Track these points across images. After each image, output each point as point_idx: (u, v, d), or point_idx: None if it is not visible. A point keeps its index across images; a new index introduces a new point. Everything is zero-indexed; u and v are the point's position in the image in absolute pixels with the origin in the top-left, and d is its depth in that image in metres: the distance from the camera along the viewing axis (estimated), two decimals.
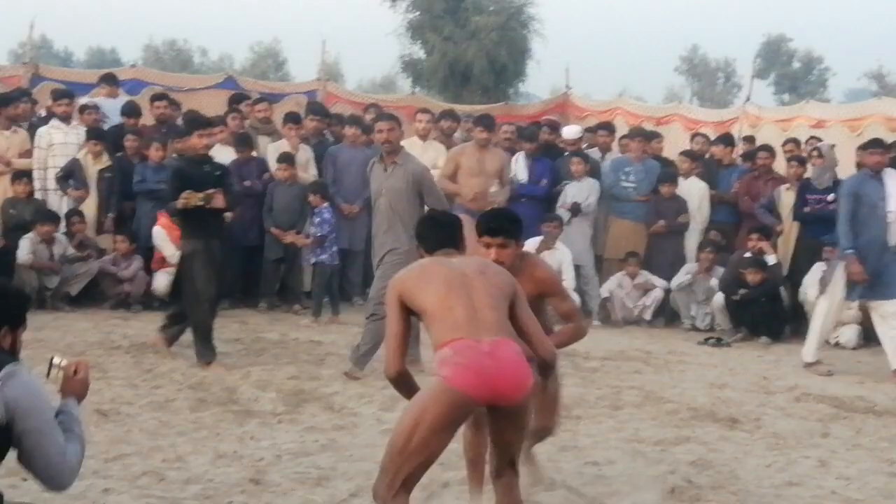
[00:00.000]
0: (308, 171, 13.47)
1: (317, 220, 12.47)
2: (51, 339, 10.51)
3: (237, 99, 15.09)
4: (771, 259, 13.05)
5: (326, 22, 56.49)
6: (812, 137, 14.84)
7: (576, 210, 13.74)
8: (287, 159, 13.11)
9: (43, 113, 14.35)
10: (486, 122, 12.89)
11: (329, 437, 7.35)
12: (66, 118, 13.26)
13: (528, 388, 4.80)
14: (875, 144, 10.96)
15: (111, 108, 14.20)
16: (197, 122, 10.26)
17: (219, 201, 9.56)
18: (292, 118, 13.87)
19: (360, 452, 6.99)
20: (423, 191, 9.53)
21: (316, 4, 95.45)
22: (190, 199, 9.40)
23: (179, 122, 13.78)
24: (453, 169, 12.47)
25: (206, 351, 9.60)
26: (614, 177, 14.14)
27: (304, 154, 13.51)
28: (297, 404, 8.25)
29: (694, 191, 14.10)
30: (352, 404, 8.34)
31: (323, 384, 9.01)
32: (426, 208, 9.33)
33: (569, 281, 13.29)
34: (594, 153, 14.86)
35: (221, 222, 10.10)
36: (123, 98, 14.68)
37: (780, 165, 14.50)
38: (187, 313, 9.80)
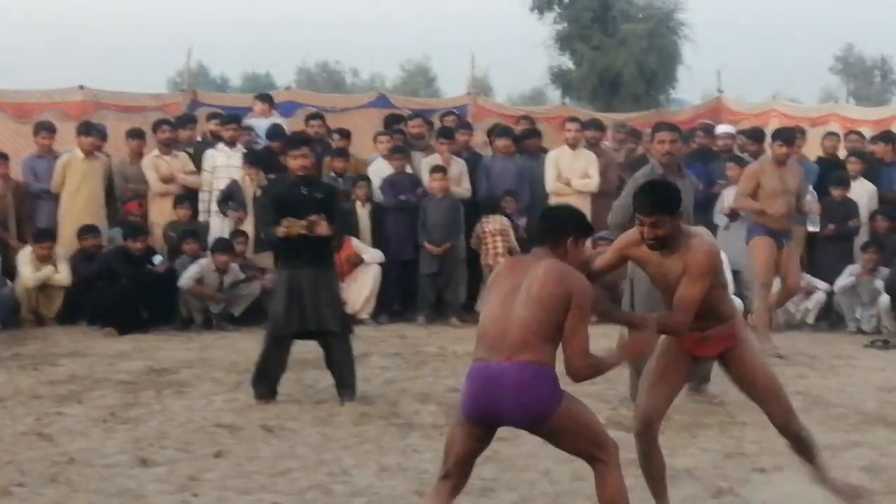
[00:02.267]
0: (461, 185, 13.58)
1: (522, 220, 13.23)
2: (216, 358, 10.78)
3: (395, 119, 15.25)
4: None
5: (475, 37, 56.46)
6: None
7: (734, 215, 13.52)
8: (440, 170, 13.23)
9: (199, 138, 14.75)
10: (786, 136, 12.00)
11: (491, 448, 7.25)
12: (232, 142, 13.59)
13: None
14: None
15: (264, 129, 14.53)
16: (291, 142, 9.74)
17: (322, 228, 8.69)
18: (444, 133, 14.00)
19: (523, 462, 7.00)
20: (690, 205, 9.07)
21: (464, 20, 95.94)
22: (291, 227, 8.64)
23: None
24: (754, 187, 11.60)
25: (257, 384, 8.90)
26: None
27: (457, 167, 13.62)
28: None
29: (863, 193, 13.78)
30: None
31: None
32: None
33: (728, 286, 13.09)
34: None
35: (323, 251, 8.97)
36: (276, 118, 15.00)
37: None
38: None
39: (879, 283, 12.95)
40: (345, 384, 8.89)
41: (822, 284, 13.41)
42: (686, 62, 30.61)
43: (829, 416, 8.39)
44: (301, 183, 8.93)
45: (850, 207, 13.60)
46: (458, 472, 5.26)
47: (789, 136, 11.86)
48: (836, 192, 13.63)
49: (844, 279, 13.26)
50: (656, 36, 29.36)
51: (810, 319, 13.51)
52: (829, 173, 13.98)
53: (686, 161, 13.84)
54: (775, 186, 11.39)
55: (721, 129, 15.33)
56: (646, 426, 5.82)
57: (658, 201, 5.48)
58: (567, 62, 31.34)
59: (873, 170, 14.19)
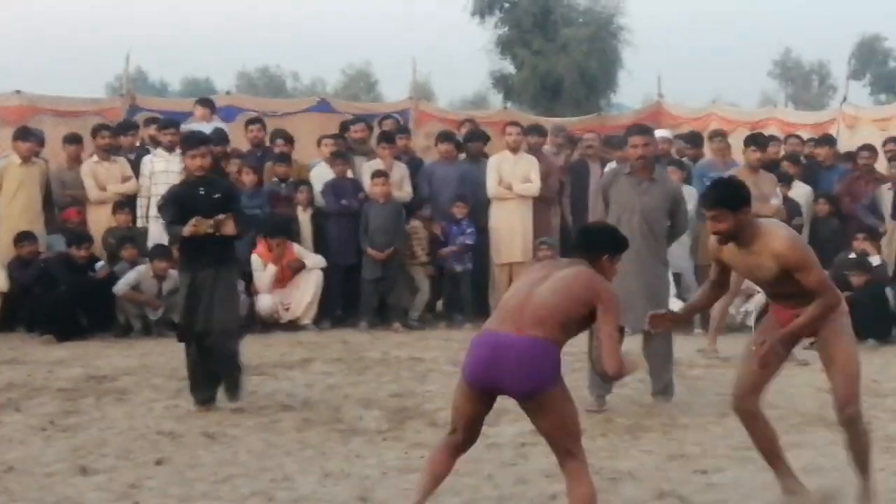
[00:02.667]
0: (403, 189, 13.57)
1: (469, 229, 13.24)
2: (156, 365, 10.70)
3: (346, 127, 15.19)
4: (875, 260, 12.83)
5: (416, 42, 56.86)
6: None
7: None
8: (382, 174, 13.22)
9: (138, 143, 14.61)
10: (759, 141, 11.98)
11: None
12: (171, 148, 13.48)
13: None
14: None
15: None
16: (188, 141, 9.44)
17: (229, 227, 8.60)
18: (386, 137, 14.00)
19: (466, 467, 6.96)
20: (676, 211, 9.18)
21: (405, 25, 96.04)
22: (199, 226, 8.49)
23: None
24: None
25: (193, 391, 8.81)
26: (699, 182, 13.96)
27: (398, 172, 13.62)
28: (402, 421, 8.29)
29: (800, 195, 13.92)
30: None
31: (426, 400, 9.05)
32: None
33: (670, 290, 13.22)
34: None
35: (225, 253, 8.85)
36: (216, 123, 14.89)
37: (879, 165, 14.25)
38: None
39: None
40: (230, 387, 8.74)
41: None
42: (627, 67, 30.85)
43: (770, 418, 8.43)
44: (199, 183, 8.82)
45: (793, 207, 13.73)
46: (465, 432, 5.57)
47: (763, 141, 12.01)
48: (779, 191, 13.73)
49: None
50: (597, 41, 29.59)
51: (750, 322, 13.58)
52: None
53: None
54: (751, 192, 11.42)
55: (659, 133, 15.40)
56: (740, 400, 6.20)
57: (718, 197, 5.80)
58: (508, 67, 31.49)
59: (812, 173, 14.33)
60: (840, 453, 7.20)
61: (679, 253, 13.54)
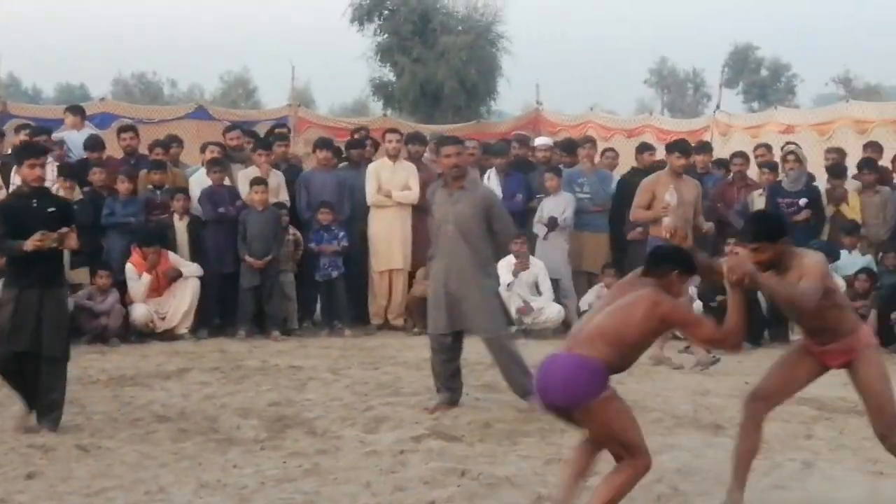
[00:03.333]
0: (280, 197, 13.47)
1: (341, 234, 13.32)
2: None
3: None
4: None
5: (295, 49, 56.53)
6: (788, 143, 14.85)
7: (553, 224, 13.73)
8: (260, 182, 13.10)
9: (9, 150, 14.26)
10: (682, 147, 11.99)
11: (312, 462, 7.30)
12: None
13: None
14: None
15: (76, 142, 14.15)
16: (25, 149, 8.88)
17: (72, 241, 8.15)
18: (263, 144, 13.89)
19: (345, 475, 6.95)
20: (491, 216, 9.11)
21: (284, 32, 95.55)
22: (44, 240, 7.91)
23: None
24: (649, 200, 11.69)
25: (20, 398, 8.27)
26: (569, 189, 14.10)
27: (276, 179, 13.51)
28: (280, 430, 8.21)
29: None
30: (335, 428, 8.29)
31: (305, 409, 8.96)
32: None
33: (546, 294, 13.34)
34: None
35: (55, 271, 8.37)
36: (89, 131, 14.62)
37: (751, 172, 14.54)
38: None
39: (692, 290, 13.28)
40: (49, 412, 8.16)
41: None
42: (506, 74, 31.03)
43: (646, 421, 8.50)
44: (32, 195, 8.27)
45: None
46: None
47: (686, 147, 12.00)
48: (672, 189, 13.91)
49: None
50: (476, 48, 29.70)
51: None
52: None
53: (506, 171, 14.09)
54: (670, 199, 11.45)
55: (540, 141, 15.57)
56: (751, 399, 6.37)
57: (758, 231, 6.07)
58: (388, 74, 31.46)
59: None
60: (713, 455, 7.33)
61: (557, 259, 13.71)
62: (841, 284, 12.82)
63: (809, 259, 6.08)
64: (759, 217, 6.62)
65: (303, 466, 7.19)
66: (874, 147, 14.56)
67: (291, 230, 13.44)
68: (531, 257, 13.38)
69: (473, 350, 11.92)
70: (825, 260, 6.22)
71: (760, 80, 57.41)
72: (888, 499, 6.52)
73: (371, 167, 13.79)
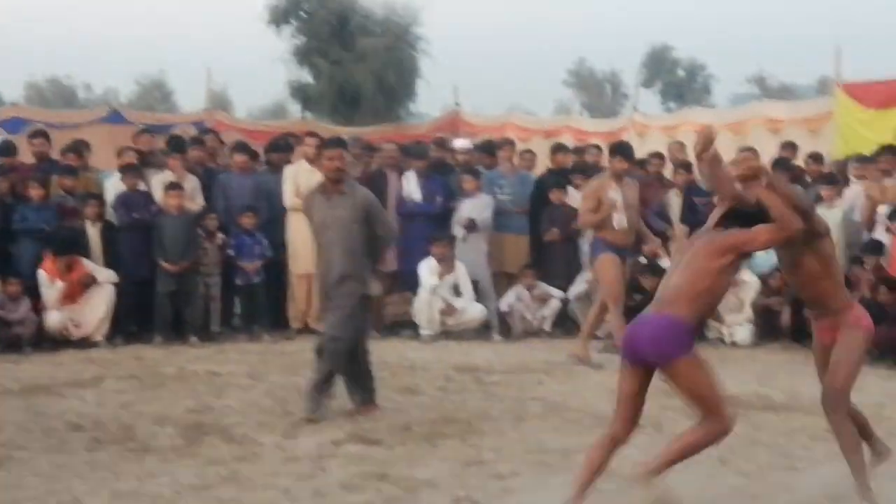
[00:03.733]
0: (195, 201, 13.33)
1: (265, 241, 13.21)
2: None
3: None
4: (665, 263, 13.17)
5: (212, 51, 55.97)
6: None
7: (471, 226, 13.74)
8: (176, 187, 12.96)
9: None
10: (625, 150, 11.98)
11: (230, 469, 7.23)
12: None
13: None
14: None
15: None
16: None
17: None
18: (176, 148, 13.73)
19: (263, 482, 6.90)
20: (373, 220, 9.00)
21: (200, 34, 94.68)
22: None
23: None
24: (595, 205, 11.57)
25: None
26: (489, 191, 14.13)
27: (190, 183, 13.36)
28: (197, 437, 8.11)
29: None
30: (253, 434, 8.22)
31: (223, 415, 8.87)
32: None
33: (467, 295, 13.35)
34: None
35: None
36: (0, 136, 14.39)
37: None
38: None
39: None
40: None
41: (556, 292, 13.75)
42: (424, 76, 31.03)
43: (565, 421, 8.60)
44: None
45: (572, 211, 13.98)
46: (624, 412, 6.18)
47: (628, 150, 11.98)
48: (553, 196, 13.99)
49: (579, 286, 13.64)
50: (394, 50, 29.66)
51: (547, 326, 13.83)
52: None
53: (425, 173, 14.07)
54: (616, 202, 11.48)
55: (459, 143, 15.56)
56: (826, 401, 6.44)
57: None
58: (306, 76, 31.29)
59: None
60: (632, 452, 7.36)
61: (477, 260, 13.72)
62: (755, 282, 13.03)
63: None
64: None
65: (220, 474, 7.12)
66: (790, 147, 14.76)
67: (219, 235, 13.26)
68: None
69: (394, 352, 11.97)
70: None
71: (677, 81, 57.90)
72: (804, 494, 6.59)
73: (288, 170, 13.68)
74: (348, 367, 8.94)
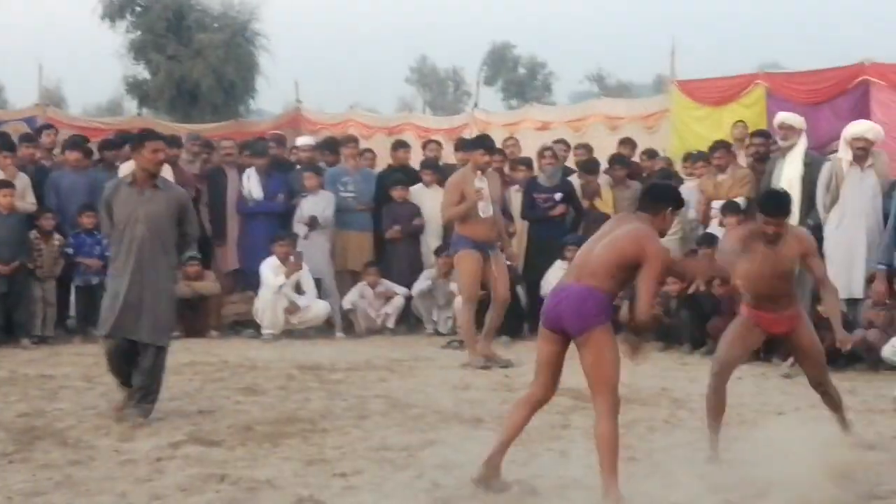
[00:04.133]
0: (26, 199, 12.90)
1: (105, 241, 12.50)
2: None
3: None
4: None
5: (45, 46, 54.58)
6: (558, 141, 15.11)
7: (313, 224, 13.65)
8: (7, 185, 12.54)
9: None
10: (488, 144, 11.74)
11: (64, 474, 7.01)
12: None
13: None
14: None
15: None
16: None
17: None
18: (6, 146, 13.28)
19: (98, 486, 6.70)
20: (184, 218, 8.74)
21: (32, 28, 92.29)
22: None
23: None
24: (458, 198, 11.36)
25: None
26: (332, 188, 14.05)
27: (21, 182, 12.93)
28: (29, 442, 7.83)
29: (434, 198, 14.19)
30: (88, 437, 7.98)
31: (56, 419, 8.60)
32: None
33: (310, 293, 13.26)
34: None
35: None
36: None
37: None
38: None
39: (454, 286, 13.42)
40: None
41: (400, 289, 13.74)
42: (264, 72, 30.76)
43: (408, 417, 8.58)
44: None
45: (413, 208, 14.01)
46: (542, 382, 6.62)
47: (491, 144, 11.83)
48: (395, 194, 14.00)
49: (421, 283, 13.66)
50: (233, 46, 29.35)
51: (390, 324, 13.83)
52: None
53: (266, 171, 13.93)
54: (481, 190, 11.25)
55: (302, 140, 15.41)
56: (722, 369, 7.38)
57: (783, 208, 7.25)
58: (143, 72, 30.73)
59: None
60: (474, 448, 7.38)
61: (319, 258, 13.64)
62: None
63: (801, 235, 7.52)
64: (779, 196, 7.55)
65: (54, 479, 6.89)
66: (628, 143, 15.02)
67: (56, 236, 12.87)
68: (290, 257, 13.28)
69: (235, 352, 11.82)
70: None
71: (518, 78, 58.57)
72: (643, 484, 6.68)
73: (125, 167, 13.35)
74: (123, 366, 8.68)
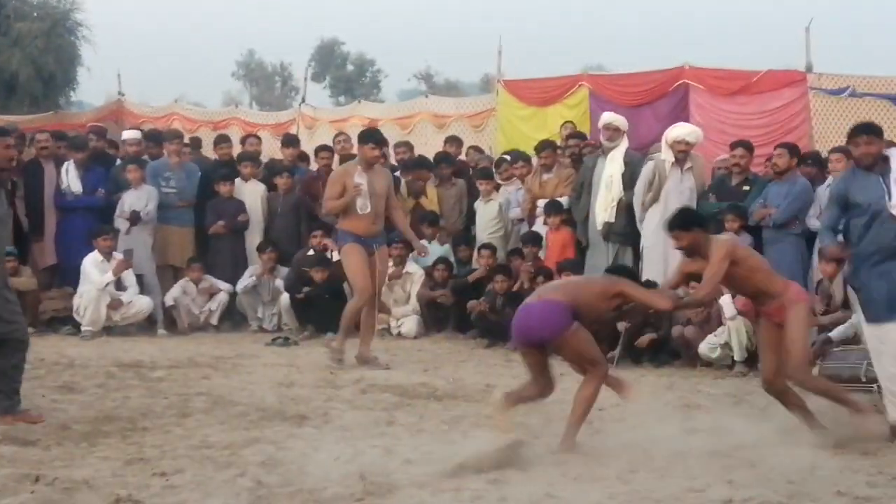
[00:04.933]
0: None
1: None
2: None
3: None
4: (335, 256, 13.28)
5: None
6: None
7: (135, 219, 13.37)
8: None
9: None
10: (377, 137, 11.35)
11: None
12: None
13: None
14: None
15: None
16: None
17: None
18: None
19: None
20: None
21: None
22: None
23: None
24: (340, 191, 10.94)
25: None
26: (154, 183, 13.80)
27: None
28: None
29: (254, 193, 14.07)
30: None
31: None
32: None
33: (132, 289, 12.99)
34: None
35: None
36: None
37: None
38: None
39: (279, 283, 13.34)
40: None
41: (224, 285, 13.58)
42: (86, 64, 30.06)
43: (231, 415, 8.46)
44: None
45: (238, 205, 13.86)
46: (539, 381, 7.39)
47: (381, 138, 11.46)
48: (223, 189, 13.85)
49: (246, 279, 13.53)
50: (53, 36, 28.61)
51: (214, 320, 13.65)
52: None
53: (85, 165, 13.59)
54: (360, 186, 10.88)
55: (128, 134, 15.03)
56: (768, 383, 7.72)
57: (671, 222, 7.71)
58: None
59: (272, 173, 14.46)
60: (297, 445, 7.35)
61: (141, 253, 13.37)
62: (420, 274, 13.29)
63: (714, 245, 7.52)
64: (677, 211, 8.05)
65: None
66: (454, 141, 15.13)
67: None
68: (115, 254, 13.00)
69: (52, 349, 11.51)
70: (730, 241, 7.89)
71: (347, 75, 58.58)
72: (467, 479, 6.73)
73: None
74: None
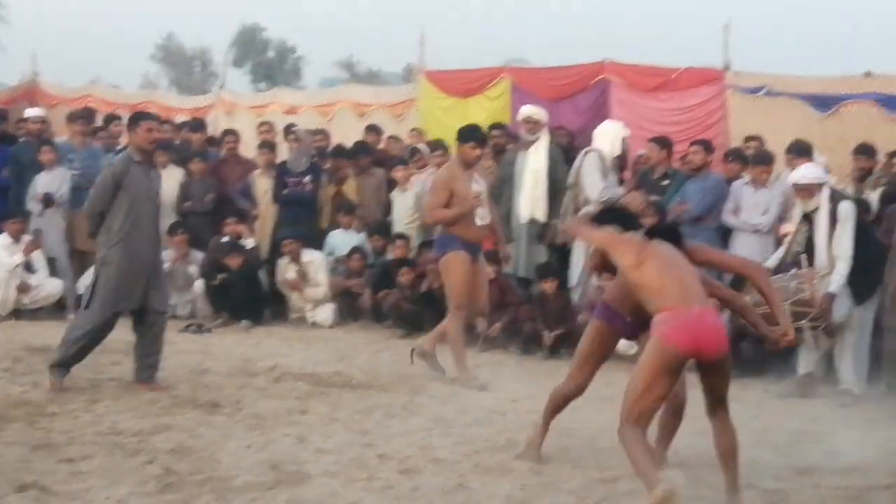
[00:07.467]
0: None
1: None
2: None
3: None
4: (249, 243, 13.18)
5: None
6: (290, 124, 15.06)
7: (48, 201, 13.15)
8: None
9: None
10: (478, 135, 10.01)
11: None
12: None
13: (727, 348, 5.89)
14: None
15: None
16: None
17: None
18: None
19: None
20: None
21: None
22: None
23: None
24: (447, 199, 9.74)
25: None
26: (69, 162, 13.55)
27: None
28: None
29: (172, 178, 13.90)
30: None
31: None
32: None
33: (42, 272, 12.79)
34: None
35: None
36: None
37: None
38: None
39: (193, 269, 13.20)
40: None
41: None
42: (1, 43, 29.55)
43: (141, 402, 8.36)
44: None
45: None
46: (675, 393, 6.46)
47: (482, 136, 10.19)
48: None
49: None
50: None
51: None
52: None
53: None
54: (469, 193, 9.75)
55: (31, 112, 14.77)
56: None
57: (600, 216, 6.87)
58: None
59: (184, 157, 14.25)
60: (208, 433, 7.29)
61: (54, 237, 13.17)
62: (321, 258, 13.21)
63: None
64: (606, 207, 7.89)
65: None
66: (374, 130, 15.09)
67: None
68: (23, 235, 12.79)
69: None
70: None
71: (267, 61, 58.12)
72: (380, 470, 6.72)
73: None
74: None
